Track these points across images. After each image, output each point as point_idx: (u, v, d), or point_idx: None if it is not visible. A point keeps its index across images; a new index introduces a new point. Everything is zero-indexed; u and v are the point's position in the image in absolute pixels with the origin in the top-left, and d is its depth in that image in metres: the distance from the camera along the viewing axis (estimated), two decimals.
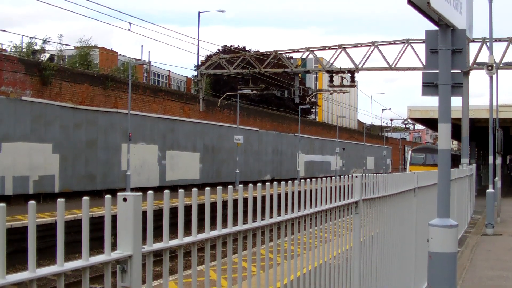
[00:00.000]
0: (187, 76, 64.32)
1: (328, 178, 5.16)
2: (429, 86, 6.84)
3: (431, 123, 41.62)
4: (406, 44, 32.34)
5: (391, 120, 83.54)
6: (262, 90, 40.78)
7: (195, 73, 53.78)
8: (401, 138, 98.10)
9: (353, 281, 5.61)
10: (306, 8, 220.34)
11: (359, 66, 33.96)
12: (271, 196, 4.14)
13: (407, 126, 79.84)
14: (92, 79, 33.19)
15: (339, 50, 34.01)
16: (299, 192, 4.52)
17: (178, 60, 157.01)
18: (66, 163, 29.98)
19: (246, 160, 48.66)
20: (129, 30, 32.37)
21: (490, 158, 22.90)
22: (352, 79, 36.05)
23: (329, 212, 5.09)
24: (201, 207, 3.71)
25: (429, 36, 6.76)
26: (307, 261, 4.63)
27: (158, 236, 2.83)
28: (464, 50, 6.70)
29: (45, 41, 33.85)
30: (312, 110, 72.62)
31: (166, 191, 2.98)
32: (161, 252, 2.96)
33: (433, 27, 6.65)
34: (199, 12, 48.82)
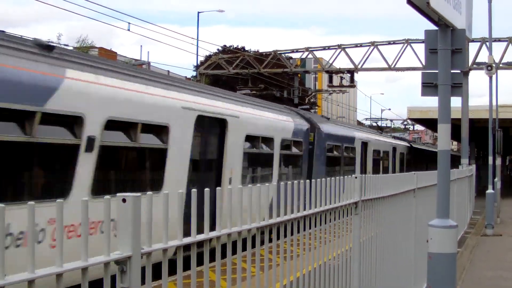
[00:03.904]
0: (186, 76, 64.33)
1: (328, 178, 5.15)
2: (429, 86, 6.84)
3: (430, 124, 41.57)
4: (406, 44, 32.34)
5: (391, 120, 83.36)
6: (261, 90, 40.76)
7: (194, 73, 53.77)
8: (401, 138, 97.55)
9: (353, 282, 5.60)
10: (306, 8, 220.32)
11: (359, 66, 33.96)
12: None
13: (406, 126, 79.70)
14: None
15: (339, 50, 33.98)
16: (299, 193, 4.52)
17: (178, 60, 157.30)
18: None
19: None
20: (128, 30, 32.40)
21: (490, 158, 22.89)
22: (352, 79, 36.06)
23: (328, 212, 5.09)
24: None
25: (429, 36, 6.76)
26: (307, 261, 4.63)
27: None
28: (463, 50, 6.70)
29: None
30: (312, 111, 72.78)
31: (166, 192, 2.99)
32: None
33: (433, 27, 6.65)
34: (198, 12, 48.83)
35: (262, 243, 3.95)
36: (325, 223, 5.03)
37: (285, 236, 4.29)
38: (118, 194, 2.66)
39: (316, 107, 72.11)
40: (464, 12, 7.11)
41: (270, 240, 4.11)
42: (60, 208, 2.39)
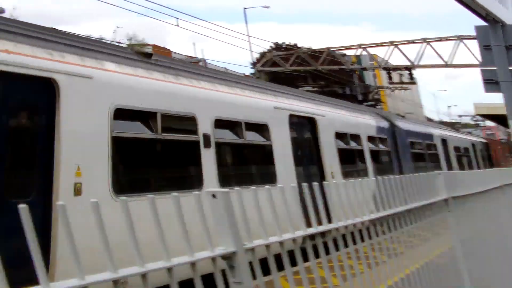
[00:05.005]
0: (244, 74, 64.41)
1: (410, 175, 4.96)
2: (491, 83, 6.71)
3: (500, 120, 40.41)
4: (458, 41, 31.45)
5: (460, 116, 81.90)
6: (322, 87, 40.54)
7: (251, 70, 53.89)
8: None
9: (464, 282, 5.28)
10: (352, 4, 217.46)
11: (415, 63, 33.27)
12: None
13: (477, 122, 78.26)
14: None
15: (392, 47, 33.37)
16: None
17: (230, 56, 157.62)
18: None
19: None
20: (177, 25, 32.19)
21: None
22: (411, 76, 35.46)
23: (420, 210, 4.89)
24: None
25: (480, 32, 6.65)
26: (411, 260, 4.44)
27: None
28: None
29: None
30: (377, 107, 71.80)
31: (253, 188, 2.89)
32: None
33: (482, 22, 6.55)
34: (244, 8, 48.48)
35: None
36: (416, 222, 4.83)
37: (384, 233, 4.16)
38: (206, 191, 2.61)
39: (381, 104, 70.99)
40: (511, 6, 6.96)
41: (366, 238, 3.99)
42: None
